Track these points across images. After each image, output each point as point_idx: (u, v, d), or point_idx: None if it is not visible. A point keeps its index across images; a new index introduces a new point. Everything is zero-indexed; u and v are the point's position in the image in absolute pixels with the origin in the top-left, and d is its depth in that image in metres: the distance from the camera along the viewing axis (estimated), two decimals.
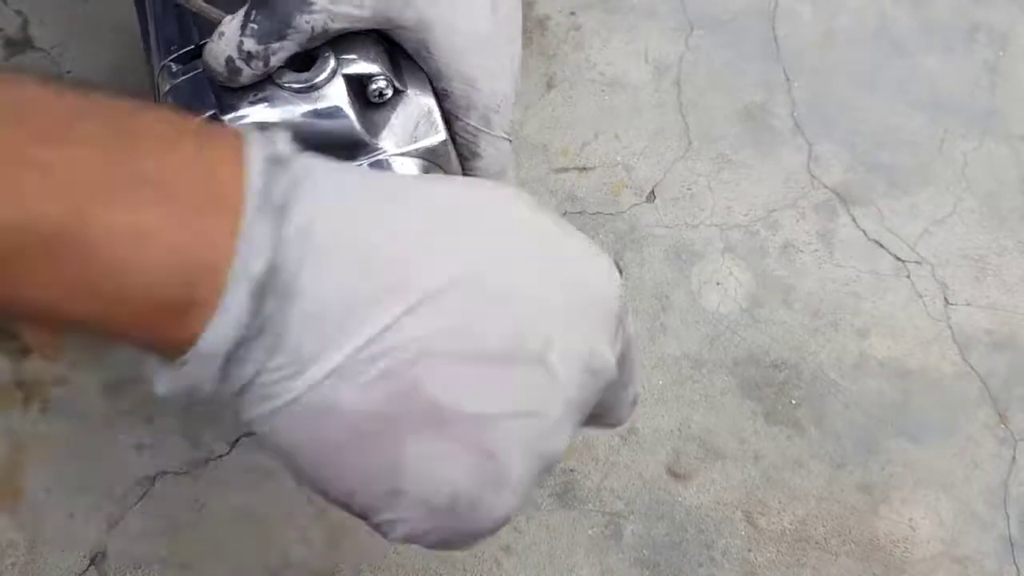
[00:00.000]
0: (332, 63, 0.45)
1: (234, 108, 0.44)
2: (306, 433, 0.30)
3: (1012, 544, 0.55)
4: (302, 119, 0.44)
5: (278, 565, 0.54)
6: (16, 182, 0.26)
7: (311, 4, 0.43)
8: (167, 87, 0.46)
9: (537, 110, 0.66)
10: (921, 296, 0.61)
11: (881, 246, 0.62)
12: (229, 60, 0.43)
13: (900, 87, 0.67)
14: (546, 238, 0.33)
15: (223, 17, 0.44)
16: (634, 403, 0.39)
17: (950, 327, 0.60)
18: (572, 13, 0.69)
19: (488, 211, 0.33)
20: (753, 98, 0.67)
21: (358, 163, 0.46)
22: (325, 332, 0.29)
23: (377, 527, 0.32)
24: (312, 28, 0.44)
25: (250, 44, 0.43)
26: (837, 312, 0.60)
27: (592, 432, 0.56)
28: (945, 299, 0.61)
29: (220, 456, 0.56)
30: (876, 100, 0.67)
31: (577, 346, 0.32)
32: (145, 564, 0.54)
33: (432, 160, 0.48)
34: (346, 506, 0.32)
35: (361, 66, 0.46)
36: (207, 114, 0.44)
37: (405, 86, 0.48)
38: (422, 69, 0.48)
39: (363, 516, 0.32)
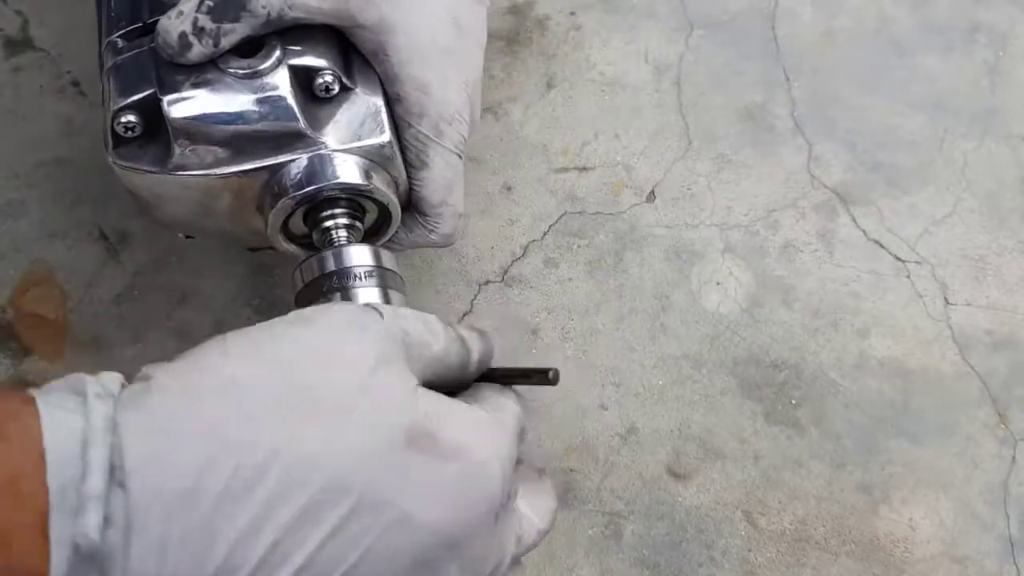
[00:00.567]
0: (278, 52, 0.45)
1: (175, 88, 0.44)
2: None
3: (1012, 544, 0.55)
4: (243, 107, 0.44)
5: None
6: None
7: None
8: (111, 63, 0.46)
9: (537, 110, 0.66)
10: (921, 296, 0.61)
11: (881, 246, 0.62)
12: (183, 35, 0.43)
13: (900, 87, 0.67)
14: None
15: None
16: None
17: (950, 327, 0.60)
18: (572, 13, 0.69)
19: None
20: (753, 98, 0.67)
21: (296, 165, 0.46)
22: None
23: None
24: (268, 13, 0.44)
25: (204, 20, 0.43)
26: (837, 312, 0.60)
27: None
28: (945, 299, 0.61)
29: None
30: (876, 100, 0.67)
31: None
32: None
33: (375, 160, 0.47)
34: None
35: (309, 59, 0.46)
36: (147, 92, 0.44)
37: (355, 84, 0.47)
38: (375, 71, 0.48)
39: None
